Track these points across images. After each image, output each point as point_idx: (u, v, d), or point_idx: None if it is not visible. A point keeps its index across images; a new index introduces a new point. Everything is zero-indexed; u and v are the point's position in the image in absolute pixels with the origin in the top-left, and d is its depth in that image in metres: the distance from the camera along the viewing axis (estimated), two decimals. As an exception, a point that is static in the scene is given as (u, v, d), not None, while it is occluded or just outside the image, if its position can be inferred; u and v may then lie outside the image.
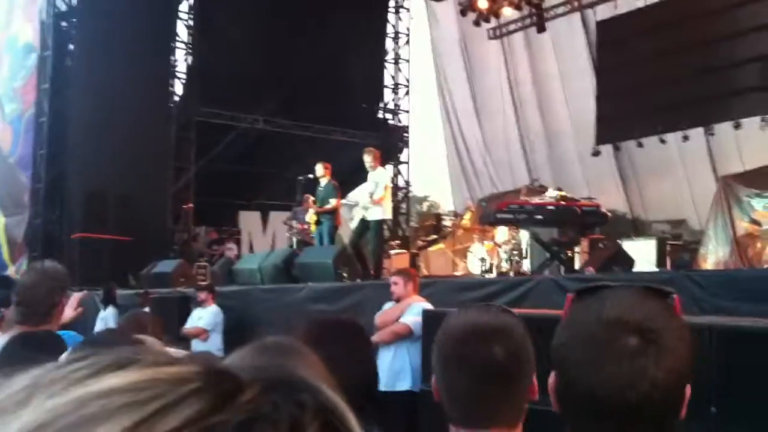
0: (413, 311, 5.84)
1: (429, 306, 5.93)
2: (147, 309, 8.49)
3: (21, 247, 16.36)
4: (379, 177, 9.82)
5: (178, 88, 17.81)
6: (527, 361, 1.46)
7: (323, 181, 10.62)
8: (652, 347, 1.06)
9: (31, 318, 2.92)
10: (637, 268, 8.93)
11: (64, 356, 1.99)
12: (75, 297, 3.95)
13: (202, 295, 8.98)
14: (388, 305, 6.19)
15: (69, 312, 3.77)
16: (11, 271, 16.09)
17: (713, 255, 11.65)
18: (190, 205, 16.73)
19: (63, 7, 16.27)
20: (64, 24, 16.32)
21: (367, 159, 9.84)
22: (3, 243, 17.41)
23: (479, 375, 1.42)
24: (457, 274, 11.56)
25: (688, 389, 1.12)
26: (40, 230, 15.70)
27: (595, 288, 1.18)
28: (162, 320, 4.88)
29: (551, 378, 1.17)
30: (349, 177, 11.89)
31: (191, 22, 17.93)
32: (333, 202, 10.45)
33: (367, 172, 9.87)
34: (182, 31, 17.87)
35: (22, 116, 17.09)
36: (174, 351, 2.99)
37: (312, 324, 2.18)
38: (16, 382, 0.42)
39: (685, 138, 14.22)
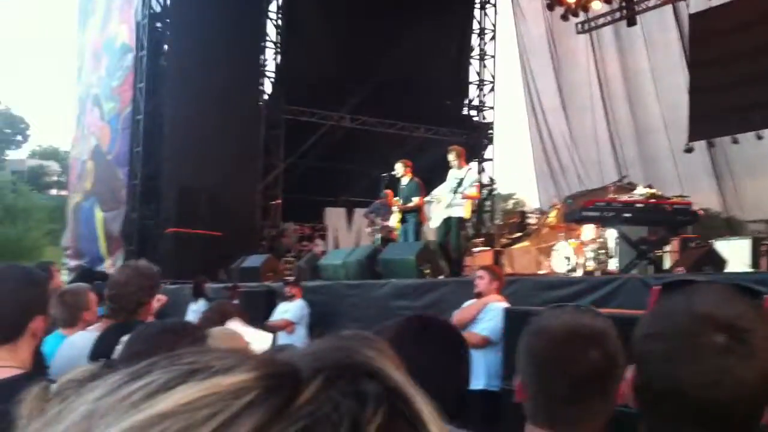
0: (489, 315, 5.80)
1: (506, 305, 5.89)
2: (236, 302, 8.73)
3: (118, 240, 17.01)
4: (465, 175, 9.79)
5: (267, 87, 18.19)
6: (622, 365, 1.44)
7: (405, 179, 10.66)
8: (740, 346, 1.03)
9: (118, 313, 3.02)
10: (729, 269, 8.62)
11: (119, 348, 2.09)
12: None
13: (290, 289, 9.15)
14: (467, 303, 6.18)
15: (153, 303, 3.90)
16: (107, 264, 16.77)
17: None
18: (279, 201, 17.07)
19: (157, 9, 16.82)
20: (158, 25, 16.86)
21: (452, 157, 9.84)
22: (101, 237, 18.16)
23: (579, 378, 1.41)
24: (541, 272, 11.42)
25: None
26: (136, 225, 16.26)
27: (682, 281, 1.15)
28: (246, 313, 5.01)
29: (630, 372, 1.15)
30: (434, 174, 11.88)
31: (280, 22, 18.27)
32: (416, 199, 10.48)
33: (449, 170, 9.87)
34: (271, 31, 18.24)
35: (120, 115, 17.76)
36: (259, 334, 3.05)
37: (409, 321, 2.18)
38: (77, 407, 0.42)
39: (783, 134, 13.63)
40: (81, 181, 20.33)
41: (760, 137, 14.06)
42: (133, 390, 0.42)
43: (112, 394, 0.42)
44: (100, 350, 2.56)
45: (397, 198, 10.86)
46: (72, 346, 3.07)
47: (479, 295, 6.06)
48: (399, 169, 10.70)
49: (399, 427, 0.43)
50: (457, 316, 5.96)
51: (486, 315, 5.84)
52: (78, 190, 20.58)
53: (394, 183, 11.19)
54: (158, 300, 3.92)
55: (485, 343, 5.67)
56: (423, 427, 0.44)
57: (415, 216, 10.59)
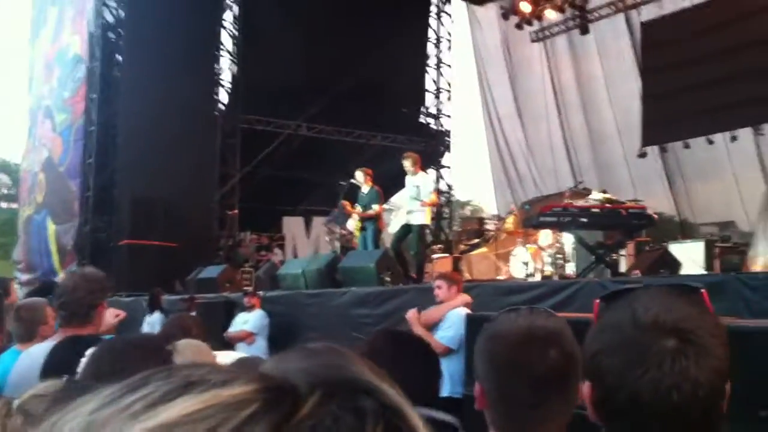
0: (449, 323, 5.81)
1: (467, 311, 5.91)
2: (193, 313, 8.60)
3: (71, 253, 16.71)
4: (422, 181, 9.83)
5: (223, 96, 18.05)
6: (579, 365, 1.43)
7: (365, 188, 10.65)
8: (690, 347, 1.04)
9: (71, 320, 2.96)
10: (684, 271, 8.76)
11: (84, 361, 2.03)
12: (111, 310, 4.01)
13: (249, 300, 9.08)
14: (431, 308, 6.19)
15: (111, 319, 3.82)
16: (61, 277, 16.44)
17: (763, 257, 11.33)
18: (235, 211, 16.92)
19: (111, 19, 16.62)
20: (111, 35, 16.66)
21: (407, 164, 9.87)
22: (54, 250, 17.82)
23: (539, 379, 1.40)
24: (500, 278, 11.48)
25: (728, 386, 1.09)
26: (89, 237, 16.00)
27: (621, 291, 1.16)
28: (204, 325, 4.93)
29: (585, 388, 1.14)
30: (392, 182, 11.92)
31: (235, 32, 18.15)
32: (376, 207, 10.47)
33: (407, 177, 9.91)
34: (227, 41, 18.11)
35: (72, 126, 17.48)
36: (223, 354, 3.02)
37: (382, 335, 2.16)
38: (71, 420, 0.41)
39: (734, 138, 13.94)
40: (32, 194, 19.96)
41: (711, 142, 14.37)
42: (131, 401, 0.41)
43: (109, 405, 0.41)
44: (53, 365, 2.49)
45: (357, 206, 10.84)
46: (28, 360, 2.99)
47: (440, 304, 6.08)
48: (359, 177, 10.69)
49: None
50: (423, 317, 5.99)
51: (445, 323, 5.86)
52: (29, 202, 20.19)
53: (352, 191, 11.17)
54: (116, 316, 3.84)
55: (446, 352, 5.68)
56: None
57: (374, 223, 10.58)
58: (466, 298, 6.12)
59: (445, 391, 5.60)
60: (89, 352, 1.99)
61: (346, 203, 11.19)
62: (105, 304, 3.17)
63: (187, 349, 2.68)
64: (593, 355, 1.11)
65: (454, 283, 6.20)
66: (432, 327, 5.92)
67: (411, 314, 6.02)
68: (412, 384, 1.59)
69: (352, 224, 11.09)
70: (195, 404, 0.40)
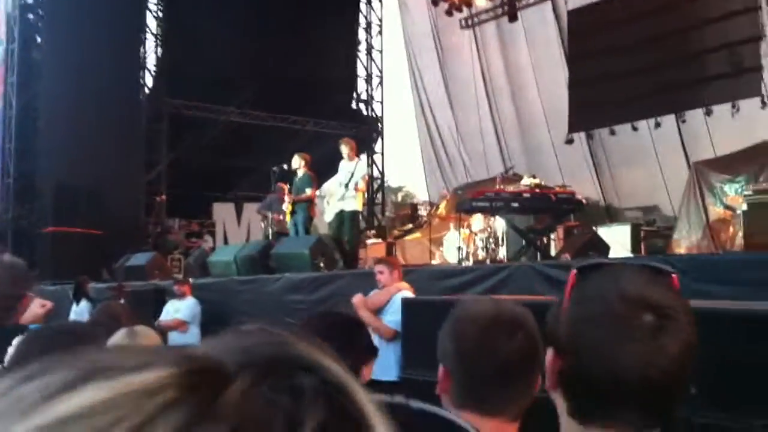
0: (395, 307, 5.79)
1: (412, 295, 5.93)
2: (122, 301, 8.41)
3: (-8, 241, 16.13)
4: (355, 168, 9.82)
5: (149, 80, 17.63)
6: (542, 349, 1.46)
7: (300, 172, 10.58)
8: (669, 324, 1.06)
9: None
10: (612, 254, 9.00)
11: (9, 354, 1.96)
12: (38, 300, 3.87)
13: (179, 287, 8.93)
14: (374, 292, 6.17)
15: (38, 309, 3.69)
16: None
17: (686, 240, 11.78)
18: (163, 197, 16.59)
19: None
20: (31, 16, 16.12)
21: (345, 149, 9.84)
22: (-28, 238, 17.16)
23: (506, 361, 1.46)
24: (434, 262, 11.58)
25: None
26: (11, 225, 15.49)
27: (598, 264, 1.17)
28: (134, 313, 4.81)
29: (550, 357, 1.14)
30: (324, 168, 11.85)
31: (160, 14, 17.73)
32: (308, 191, 10.41)
33: (340, 162, 9.89)
34: (152, 23, 17.69)
35: (-10, 110, 16.82)
36: (152, 338, 2.92)
37: (312, 319, 2.16)
38: None
39: (657, 125, 14.34)
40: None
41: (635, 129, 14.75)
42: (26, 392, 0.36)
43: (1, 398, 0.36)
44: None
45: (289, 189, 10.77)
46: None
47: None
48: (296, 162, 10.60)
49: (340, 423, 0.39)
50: (370, 302, 5.98)
51: (392, 306, 5.84)
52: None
53: (285, 176, 11.08)
54: (43, 306, 3.70)
55: (394, 336, 5.69)
56: (365, 421, 0.40)
57: (304, 209, 10.52)
58: (408, 287, 6.09)
59: (393, 375, 5.63)
60: (16, 341, 1.92)
61: (283, 186, 11.09)
62: (29, 294, 3.07)
63: (143, 333, 2.64)
64: (574, 323, 1.12)
65: (394, 267, 6.21)
66: (378, 311, 5.92)
67: (357, 299, 6.00)
68: (347, 365, 1.63)
69: (285, 210, 11.01)
70: (100, 393, 0.35)
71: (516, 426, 1.51)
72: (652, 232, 11.26)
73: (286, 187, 10.96)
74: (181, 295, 8.87)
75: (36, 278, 13.53)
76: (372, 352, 2.18)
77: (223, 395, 0.36)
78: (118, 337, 2.61)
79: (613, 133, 15.13)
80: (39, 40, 16.02)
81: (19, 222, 15.54)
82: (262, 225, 12.47)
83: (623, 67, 14.11)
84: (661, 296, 1.09)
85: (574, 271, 1.16)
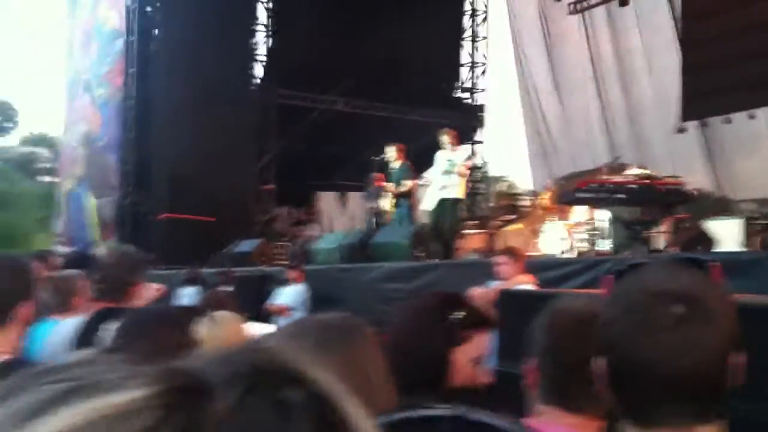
0: None
1: (533, 287, 5.73)
2: (230, 287, 8.72)
3: (110, 227, 16.98)
4: (457, 156, 9.77)
5: (258, 70, 18.09)
6: None
7: (396, 163, 10.64)
8: (698, 313, 1.06)
9: (108, 294, 3.03)
10: (721, 248, 8.65)
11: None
12: (153, 286, 4.04)
13: (291, 273, 9.14)
14: (494, 284, 6.02)
15: (152, 292, 3.88)
16: (98, 251, 16.69)
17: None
18: (271, 186, 17.02)
19: (148, -7, 16.70)
20: (148, 9, 16.73)
21: (446, 139, 9.80)
22: (94, 224, 18.12)
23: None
24: (534, 253, 11.42)
25: (741, 359, 1.09)
26: (128, 211, 16.22)
27: (632, 266, 1.18)
28: (240, 297, 5.00)
29: (596, 363, 1.16)
30: (425, 157, 11.88)
31: (270, 5, 18.15)
32: (408, 183, 10.47)
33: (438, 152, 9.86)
34: (262, 14, 18.12)
35: (110, 101, 17.67)
36: (258, 326, 3.06)
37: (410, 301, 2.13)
38: None
39: (775, 114, 13.65)
40: (72, 168, 20.26)
41: (752, 117, 14.08)
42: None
43: None
44: (85, 336, 2.55)
45: (390, 182, 10.83)
46: (59, 331, 3.07)
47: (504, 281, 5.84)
48: (390, 153, 10.68)
49: None
50: (489, 295, 5.82)
51: None
52: (69, 176, 20.51)
53: (384, 166, 11.17)
54: (158, 290, 3.92)
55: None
56: None
57: (407, 200, 10.59)
58: (530, 279, 5.83)
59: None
60: (110, 324, 2.04)
61: (378, 175, 11.18)
62: (142, 283, 3.23)
63: (223, 320, 2.74)
64: (603, 325, 1.14)
65: (517, 258, 5.96)
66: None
67: (476, 291, 5.55)
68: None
69: (387, 203, 11.08)
70: (75, 416, 0.33)
71: (601, 425, 1.50)
72: (767, 225, 10.70)
73: (380, 176, 11.04)
74: (291, 281, 9.08)
75: (151, 263, 14.23)
76: (479, 324, 2.02)
77: (205, 413, 0.35)
78: (202, 324, 2.74)
79: (728, 121, 14.47)
80: (156, 32, 16.65)
81: (137, 208, 16.28)
82: (365, 215, 12.63)
83: (739, 52, 13.44)
84: (689, 285, 1.08)
85: (610, 274, 1.18)
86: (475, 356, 1.84)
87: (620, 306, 1.12)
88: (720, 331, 1.07)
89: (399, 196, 10.67)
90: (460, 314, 1.86)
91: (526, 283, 5.75)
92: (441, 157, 9.79)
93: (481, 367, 1.85)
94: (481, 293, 5.59)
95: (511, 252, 6.25)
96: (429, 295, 2.06)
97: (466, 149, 10.74)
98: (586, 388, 1.44)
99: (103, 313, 2.81)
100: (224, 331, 2.67)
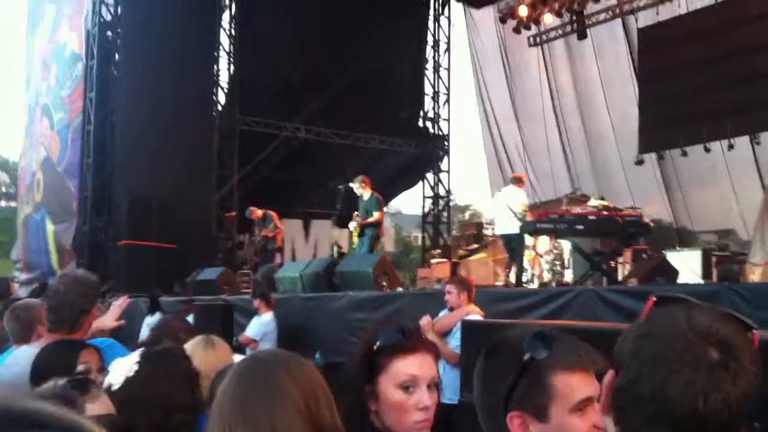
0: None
1: (481, 318, 5.85)
2: (191, 316, 8.61)
3: (69, 253, 16.68)
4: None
5: (221, 97, 18.04)
6: None
7: (366, 194, 10.70)
8: (732, 363, 1.05)
9: (59, 325, 2.96)
10: (681, 280, 8.81)
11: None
12: (116, 305, 3.97)
13: (255, 303, 9.04)
14: (443, 313, 6.09)
15: (110, 321, 3.82)
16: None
17: (760, 267, 11.41)
18: (234, 213, 16.91)
19: (108, 17, 16.49)
20: (109, 34, 16.54)
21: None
22: (53, 250, 17.79)
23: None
24: (498, 284, 11.52)
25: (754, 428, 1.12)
26: (87, 237, 15.95)
27: (678, 297, 1.17)
28: (195, 330, 4.91)
29: (609, 378, 1.15)
30: (388, 184, 11.97)
31: (233, 32, 18.16)
32: (376, 214, 10.53)
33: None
34: (225, 41, 18.11)
35: (70, 125, 17.43)
36: (225, 350, 3.00)
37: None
38: None
39: (731, 146, 13.99)
40: (31, 193, 19.92)
41: (707, 150, 14.41)
42: None
43: None
44: (40, 368, 2.52)
45: (358, 212, 10.88)
46: (14, 363, 3.01)
47: (452, 310, 6.00)
48: (357, 187, 10.73)
49: None
50: (438, 325, 5.87)
51: (459, 331, 5.70)
52: (28, 201, 20.16)
53: (350, 195, 11.21)
54: (117, 320, 3.84)
55: (457, 360, 5.60)
56: None
57: (373, 229, 10.63)
58: (478, 311, 5.96)
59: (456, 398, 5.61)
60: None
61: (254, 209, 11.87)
62: (96, 309, 3.17)
63: (219, 346, 2.77)
64: (637, 338, 1.12)
65: (465, 288, 6.07)
66: (445, 335, 5.82)
67: (425, 321, 5.80)
68: None
69: (352, 227, 11.12)
70: None
71: None
72: (725, 257, 10.92)
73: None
74: (257, 310, 8.94)
75: (111, 291, 13.99)
76: (399, 349, 1.91)
77: None
78: (195, 343, 2.75)
79: (684, 153, 14.81)
80: (117, 57, 16.51)
81: (96, 235, 16.03)
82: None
83: (695, 86, 13.82)
84: (732, 337, 1.07)
85: (654, 298, 1.18)
86: (400, 381, 1.78)
87: (659, 327, 1.11)
88: (746, 388, 1.06)
89: (365, 227, 10.71)
90: (379, 343, 1.82)
91: (472, 315, 5.82)
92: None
93: (418, 391, 1.79)
94: (426, 322, 5.76)
95: (459, 281, 6.36)
96: (372, 326, 2.08)
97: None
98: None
99: (55, 345, 2.76)
100: (220, 354, 2.68)
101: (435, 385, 1.82)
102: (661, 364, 1.07)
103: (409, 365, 1.79)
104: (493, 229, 14.17)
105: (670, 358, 1.06)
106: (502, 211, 9.93)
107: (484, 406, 1.48)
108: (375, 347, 1.81)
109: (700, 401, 1.03)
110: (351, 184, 10.87)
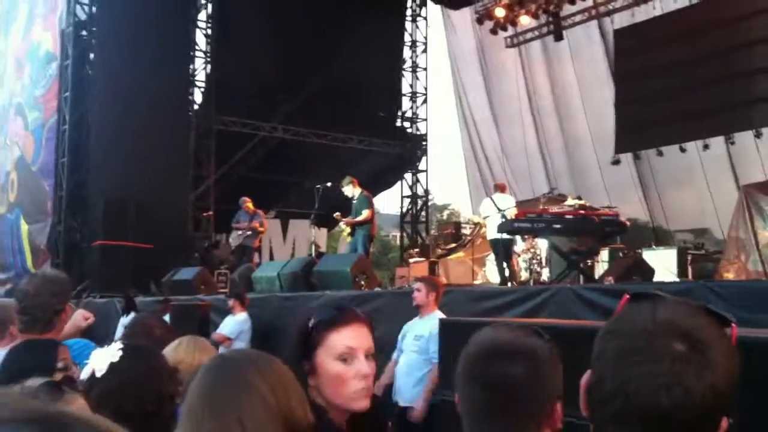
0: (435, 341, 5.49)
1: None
2: (167, 316, 8.55)
3: (44, 253, 16.51)
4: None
5: (198, 96, 17.94)
6: (548, 386, 1.44)
7: (356, 193, 10.69)
8: (696, 356, 1.02)
9: (33, 326, 2.91)
10: (657, 278, 8.87)
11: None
12: (79, 312, 3.91)
13: (230, 303, 9.00)
14: (411, 323, 6.12)
15: (80, 322, 3.76)
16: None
17: (735, 265, 11.53)
18: (210, 212, 16.82)
19: (83, 17, 16.38)
20: (84, 33, 16.44)
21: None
22: (27, 250, 17.60)
23: (496, 393, 1.42)
24: (476, 282, 11.55)
25: (725, 421, 1.06)
26: (62, 237, 15.80)
27: (651, 294, 1.14)
28: (171, 329, 4.85)
29: (585, 376, 1.14)
30: (370, 184, 11.96)
31: (209, 31, 18.06)
32: (366, 213, 10.51)
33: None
34: (201, 40, 18.01)
35: (45, 124, 17.27)
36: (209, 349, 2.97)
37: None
38: None
39: (706, 147, 14.13)
40: (4, 193, 19.69)
41: (683, 150, 14.54)
42: None
43: None
44: (7, 369, 2.47)
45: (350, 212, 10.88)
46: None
47: (418, 308, 6.04)
48: (346, 188, 10.71)
49: None
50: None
51: (437, 336, 5.44)
52: (2, 201, 19.92)
53: (328, 195, 11.19)
54: (86, 319, 3.78)
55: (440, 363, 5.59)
56: None
57: (365, 228, 10.61)
58: (437, 314, 5.92)
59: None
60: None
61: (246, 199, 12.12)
62: (68, 308, 3.12)
63: (203, 345, 2.75)
64: (603, 335, 1.11)
65: (433, 288, 6.11)
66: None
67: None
68: None
69: (344, 231, 11.13)
70: None
71: None
72: (700, 255, 11.02)
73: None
74: (231, 310, 8.92)
75: (86, 291, 13.84)
76: (333, 322, 2.00)
77: None
78: (185, 342, 2.72)
79: (660, 154, 14.94)
80: (92, 56, 16.36)
81: (71, 234, 15.87)
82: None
83: (671, 88, 13.93)
84: (697, 328, 1.05)
85: (627, 296, 1.15)
86: (338, 353, 1.81)
87: (622, 324, 1.09)
88: (713, 381, 1.02)
89: (355, 226, 10.69)
90: (314, 320, 1.87)
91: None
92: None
93: (356, 362, 1.82)
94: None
95: (429, 281, 6.38)
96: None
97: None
98: (495, 420, 1.43)
99: (24, 346, 2.72)
100: (205, 352, 2.66)
101: (372, 356, 1.88)
102: (624, 359, 1.05)
103: (345, 337, 1.84)
104: (471, 228, 14.26)
105: (631, 352, 1.04)
106: (495, 218, 9.94)
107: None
108: (310, 324, 1.86)
109: (662, 394, 1.01)
110: (342, 188, 10.82)
